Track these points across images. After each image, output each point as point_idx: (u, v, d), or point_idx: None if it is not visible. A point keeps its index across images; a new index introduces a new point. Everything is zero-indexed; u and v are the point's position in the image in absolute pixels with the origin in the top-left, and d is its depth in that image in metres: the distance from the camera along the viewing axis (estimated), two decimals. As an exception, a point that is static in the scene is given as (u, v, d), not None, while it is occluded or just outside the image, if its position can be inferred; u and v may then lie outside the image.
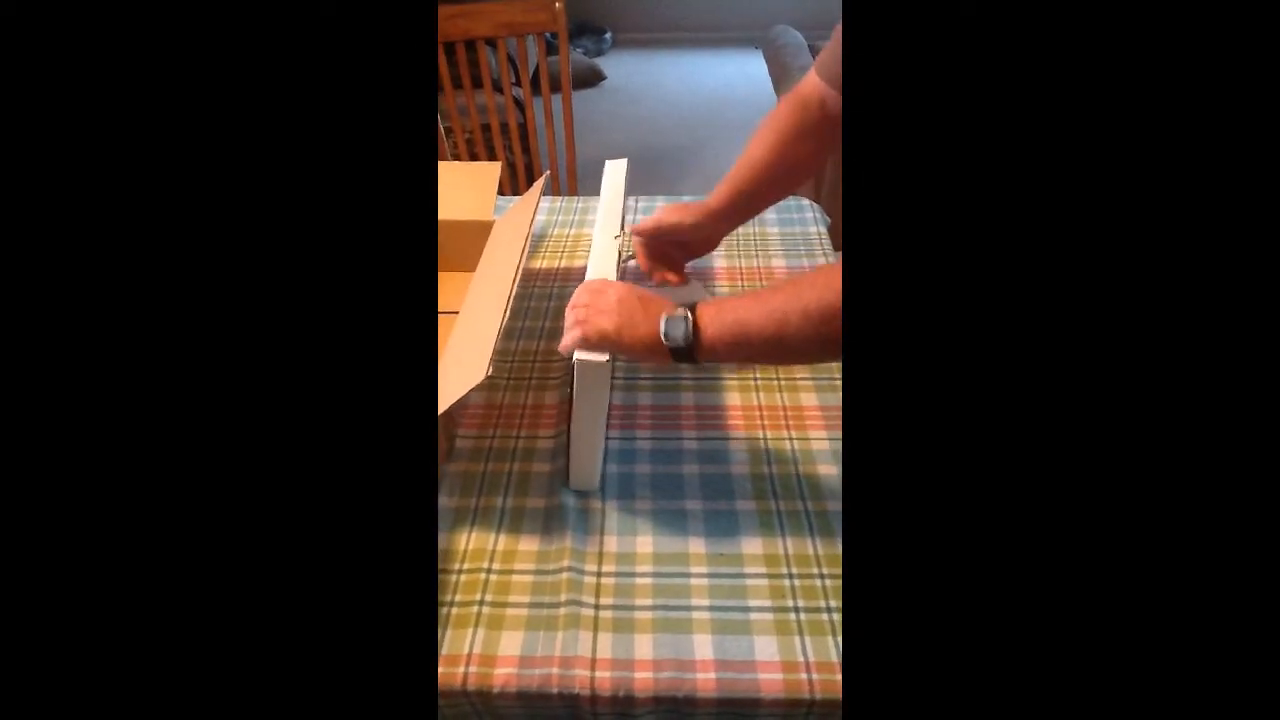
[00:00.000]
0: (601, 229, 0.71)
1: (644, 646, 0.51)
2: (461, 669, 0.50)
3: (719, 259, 0.91)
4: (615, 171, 0.79)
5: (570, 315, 0.56)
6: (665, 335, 0.52)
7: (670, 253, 0.74)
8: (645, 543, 0.59)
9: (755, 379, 0.74)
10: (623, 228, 0.71)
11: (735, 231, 0.95)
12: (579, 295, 0.58)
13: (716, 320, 0.52)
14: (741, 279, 0.88)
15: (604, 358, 0.53)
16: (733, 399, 0.72)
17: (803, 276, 0.50)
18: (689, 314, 0.52)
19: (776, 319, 0.49)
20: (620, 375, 0.75)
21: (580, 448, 0.60)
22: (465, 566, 0.57)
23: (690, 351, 0.52)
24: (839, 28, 0.65)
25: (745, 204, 0.72)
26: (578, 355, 0.53)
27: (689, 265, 0.78)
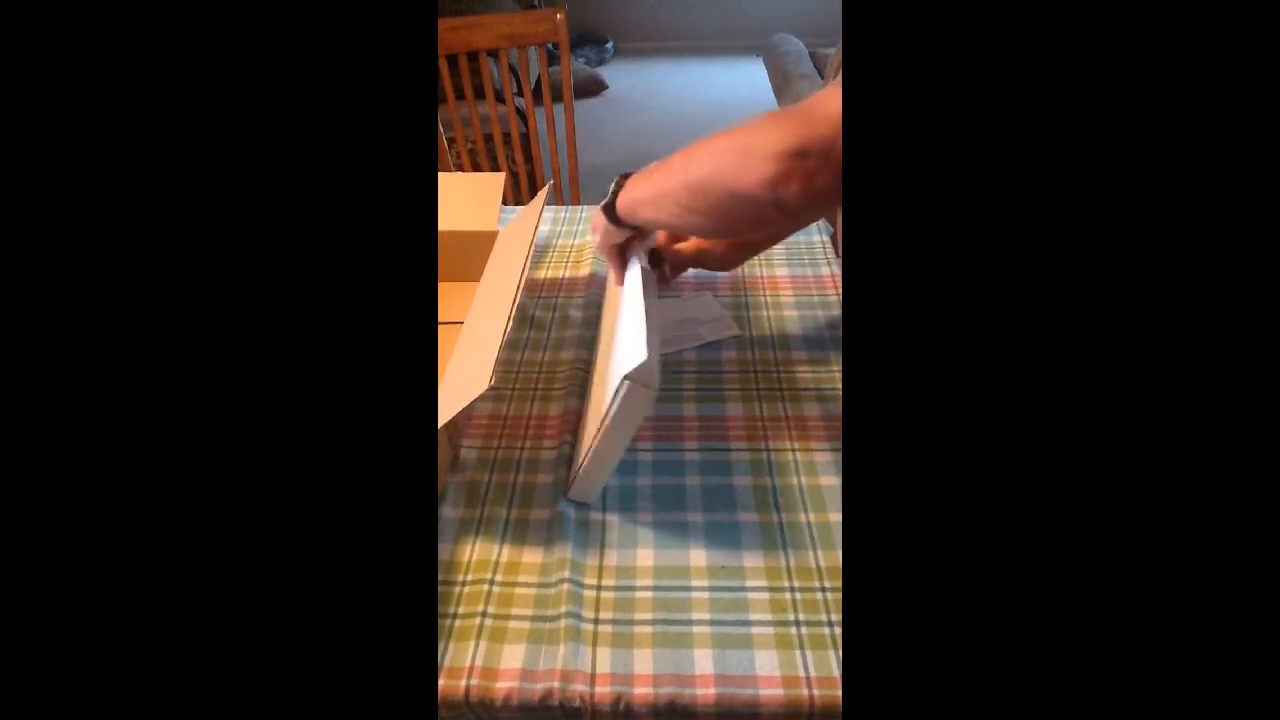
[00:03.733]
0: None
1: (644, 661, 0.51)
2: (464, 681, 0.50)
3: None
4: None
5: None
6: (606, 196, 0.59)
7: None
8: (646, 555, 0.59)
9: (758, 389, 0.74)
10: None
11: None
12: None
13: (631, 184, 0.57)
14: (745, 288, 0.89)
15: (652, 388, 0.51)
16: (735, 410, 0.72)
17: (703, 141, 0.51)
18: (618, 179, 0.58)
19: (656, 187, 0.54)
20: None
21: (600, 465, 0.59)
22: (469, 578, 0.57)
23: (612, 212, 0.58)
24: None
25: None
26: (627, 378, 0.51)
27: (692, 274, 0.83)
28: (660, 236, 0.75)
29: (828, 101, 0.44)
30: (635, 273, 0.65)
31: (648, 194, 0.54)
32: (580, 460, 0.62)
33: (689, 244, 0.76)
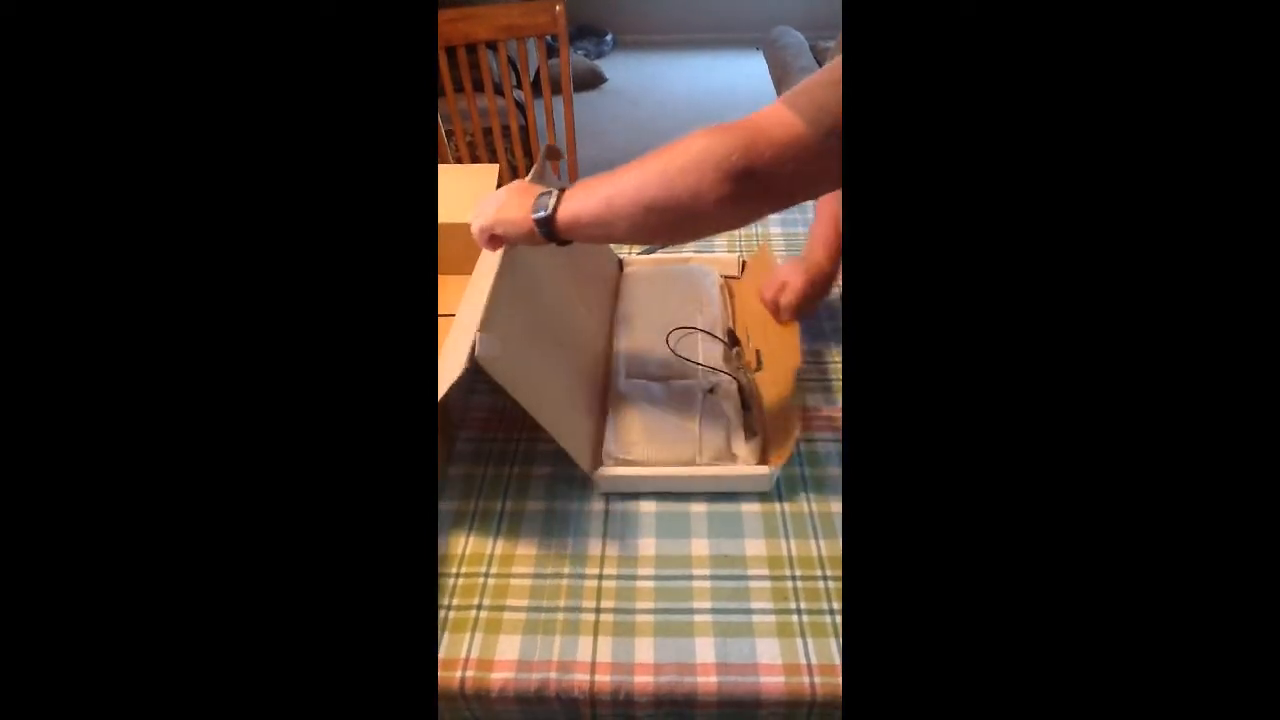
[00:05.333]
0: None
1: (645, 650, 0.51)
2: (459, 673, 0.50)
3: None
4: None
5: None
6: (533, 209, 0.55)
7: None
8: (648, 545, 0.58)
9: (757, 379, 0.73)
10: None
11: (737, 233, 0.96)
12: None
13: (570, 200, 0.54)
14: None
15: (496, 352, 0.52)
16: (735, 399, 0.71)
17: (652, 160, 0.49)
18: (556, 193, 0.54)
19: (604, 205, 0.51)
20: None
21: (559, 432, 0.58)
22: (463, 570, 0.57)
23: (550, 227, 0.54)
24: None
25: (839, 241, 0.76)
26: (478, 357, 0.51)
27: (694, 249, 0.84)
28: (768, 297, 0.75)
29: (770, 127, 0.44)
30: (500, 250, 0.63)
31: (593, 212, 0.52)
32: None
33: (797, 291, 0.74)
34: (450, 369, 0.53)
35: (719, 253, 0.91)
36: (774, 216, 0.99)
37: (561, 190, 0.55)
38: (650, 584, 0.55)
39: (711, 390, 0.68)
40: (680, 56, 3.58)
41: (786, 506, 0.61)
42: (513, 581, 0.56)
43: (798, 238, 0.95)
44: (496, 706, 0.50)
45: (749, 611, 0.53)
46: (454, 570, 0.57)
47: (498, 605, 0.54)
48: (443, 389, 0.51)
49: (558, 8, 1.32)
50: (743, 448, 0.63)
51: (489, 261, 0.72)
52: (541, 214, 0.54)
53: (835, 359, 0.76)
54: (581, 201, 0.53)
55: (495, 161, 1.54)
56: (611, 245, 0.90)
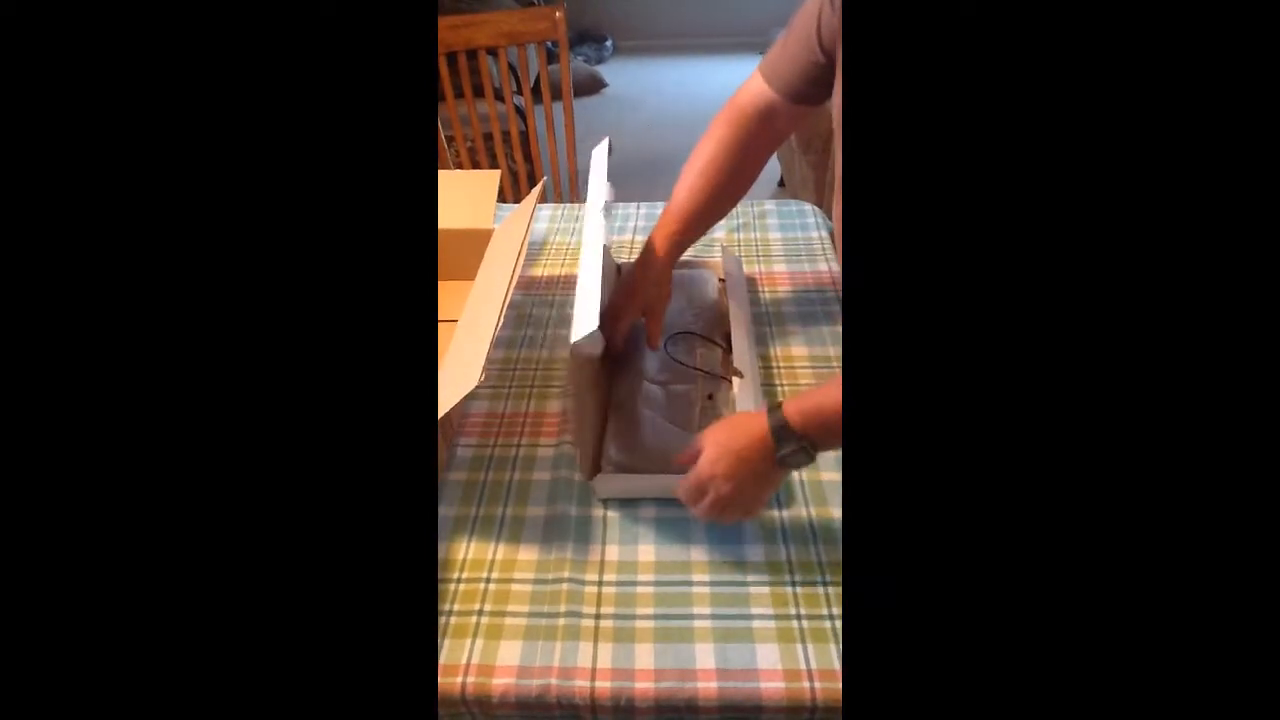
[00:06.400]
0: (592, 205, 0.71)
1: (645, 656, 0.51)
2: (460, 679, 0.50)
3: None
4: (599, 155, 0.78)
5: (693, 492, 0.56)
6: (783, 462, 0.54)
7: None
8: (647, 551, 0.59)
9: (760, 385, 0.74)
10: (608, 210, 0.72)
11: (736, 237, 0.96)
12: (694, 473, 0.56)
13: (803, 416, 0.53)
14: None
15: (598, 349, 0.52)
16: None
17: None
18: (785, 421, 0.53)
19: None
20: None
21: (577, 438, 0.59)
22: (464, 576, 0.57)
23: (808, 455, 0.54)
24: (785, 31, 0.65)
25: (685, 243, 0.75)
26: (574, 346, 0.53)
27: (692, 253, 0.81)
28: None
29: None
30: (598, 248, 0.64)
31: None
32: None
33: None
34: (458, 376, 0.53)
35: (717, 256, 0.91)
36: (773, 220, 1.00)
37: (784, 423, 0.53)
38: (650, 589, 0.56)
39: (710, 396, 0.69)
40: (680, 61, 3.58)
41: (785, 512, 0.61)
42: (514, 587, 0.56)
43: (797, 242, 0.95)
44: (498, 712, 0.50)
45: (749, 617, 0.53)
46: (455, 576, 0.57)
47: (499, 611, 0.54)
48: (456, 397, 0.51)
49: (558, 14, 1.33)
50: None
51: (492, 267, 0.73)
52: (776, 422, 0.53)
53: (833, 364, 0.76)
54: (819, 395, 0.52)
55: (496, 167, 1.55)
56: (610, 247, 0.90)
